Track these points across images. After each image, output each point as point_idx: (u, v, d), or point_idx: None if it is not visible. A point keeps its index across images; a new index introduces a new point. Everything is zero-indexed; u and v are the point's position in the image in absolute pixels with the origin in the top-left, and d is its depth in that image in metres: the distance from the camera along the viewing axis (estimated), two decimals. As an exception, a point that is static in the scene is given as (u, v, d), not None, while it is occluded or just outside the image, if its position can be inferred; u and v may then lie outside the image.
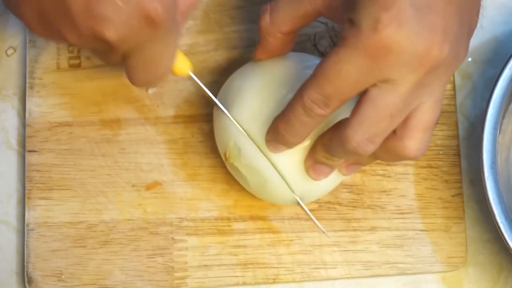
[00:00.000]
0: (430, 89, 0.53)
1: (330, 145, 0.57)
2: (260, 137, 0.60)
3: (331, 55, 0.52)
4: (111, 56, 0.56)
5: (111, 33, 0.52)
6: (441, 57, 0.51)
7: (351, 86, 0.52)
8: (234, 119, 0.61)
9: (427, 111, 0.54)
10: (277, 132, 0.57)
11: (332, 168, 0.60)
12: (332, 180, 0.62)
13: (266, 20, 0.59)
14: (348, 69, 0.51)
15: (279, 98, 0.60)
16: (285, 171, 0.61)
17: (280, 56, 0.62)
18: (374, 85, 0.52)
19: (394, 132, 0.55)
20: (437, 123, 0.56)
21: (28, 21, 0.54)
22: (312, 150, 0.60)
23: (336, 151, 0.57)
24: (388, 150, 0.56)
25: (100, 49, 0.55)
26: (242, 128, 0.61)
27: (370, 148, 0.54)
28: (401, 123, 0.54)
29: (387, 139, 0.55)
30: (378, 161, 0.68)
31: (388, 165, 0.68)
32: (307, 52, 0.67)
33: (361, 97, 0.53)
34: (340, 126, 0.55)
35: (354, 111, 0.53)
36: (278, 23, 0.59)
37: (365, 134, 0.53)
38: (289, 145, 0.58)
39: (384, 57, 0.50)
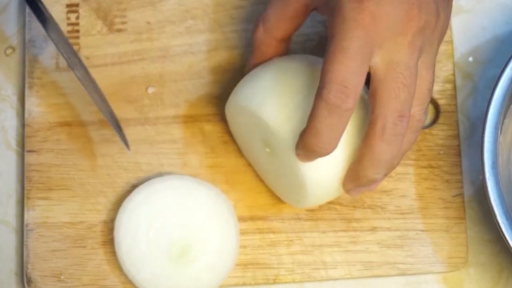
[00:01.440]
0: (423, 54, 0.57)
1: (371, 149, 0.57)
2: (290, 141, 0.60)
3: (329, 46, 0.54)
4: None
5: None
6: (421, 17, 0.55)
7: (359, 61, 0.54)
8: (261, 116, 0.60)
9: (423, 79, 0.57)
10: (307, 148, 0.57)
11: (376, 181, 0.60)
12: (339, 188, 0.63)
13: (260, 31, 0.61)
14: (350, 45, 0.54)
15: (300, 100, 0.59)
16: (307, 177, 0.60)
17: (288, 57, 0.63)
18: (376, 63, 0.55)
19: None
20: (432, 88, 0.59)
21: None
22: (352, 174, 0.60)
23: (378, 150, 0.56)
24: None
25: None
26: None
27: (405, 122, 0.56)
28: None
29: None
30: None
31: (389, 165, 0.68)
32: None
33: (371, 84, 0.56)
34: (367, 133, 0.56)
35: (374, 102, 0.56)
36: (271, 31, 0.61)
37: (394, 112, 0.55)
38: (322, 155, 0.57)
39: (374, 23, 0.54)
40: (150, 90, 0.70)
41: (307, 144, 0.56)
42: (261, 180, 0.68)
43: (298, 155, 0.59)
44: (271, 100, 0.60)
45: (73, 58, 0.65)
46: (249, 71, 0.64)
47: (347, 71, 0.54)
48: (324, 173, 0.60)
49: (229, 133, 0.68)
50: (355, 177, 0.59)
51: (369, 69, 0.55)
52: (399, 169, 0.68)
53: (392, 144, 0.56)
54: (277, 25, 0.61)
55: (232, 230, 0.66)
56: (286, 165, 0.61)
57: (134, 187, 0.68)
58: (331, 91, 0.54)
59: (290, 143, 0.59)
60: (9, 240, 0.69)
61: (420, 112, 0.58)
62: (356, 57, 0.54)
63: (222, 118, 0.69)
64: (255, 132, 0.63)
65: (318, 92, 0.54)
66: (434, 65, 0.59)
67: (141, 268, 0.65)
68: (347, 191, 0.61)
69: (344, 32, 0.54)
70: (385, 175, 0.60)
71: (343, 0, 0.54)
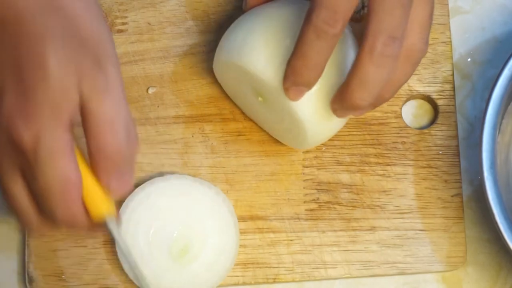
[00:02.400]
0: None
1: (358, 68, 0.55)
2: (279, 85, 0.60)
3: None
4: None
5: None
6: None
7: (401, 7, 0.53)
8: (250, 70, 0.60)
9: (420, 6, 0.56)
10: (296, 73, 0.56)
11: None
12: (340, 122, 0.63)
13: None
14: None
15: (287, 46, 0.59)
16: (303, 115, 0.61)
17: (270, 2, 0.63)
18: None
19: None
20: (432, 17, 0.58)
21: None
22: (339, 95, 0.58)
23: (366, 71, 0.55)
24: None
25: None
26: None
27: (396, 43, 0.54)
28: None
29: None
30: (379, 159, 0.68)
31: (388, 165, 0.68)
32: None
33: (368, 7, 0.54)
34: (357, 52, 0.55)
35: (368, 16, 0.54)
36: None
37: (386, 31, 0.54)
38: (310, 82, 0.57)
39: None
40: (151, 91, 0.70)
41: (296, 69, 0.56)
42: (261, 180, 0.68)
43: (286, 89, 0.58)
44: (259, 51, 0.60)
45: None
46: (248, 9, 0.63)
47: (394, 22, 0.53)
48: (318, 107, 0.60)
49: (229, 133, 0.69)
50: (342, 98, 0.58)
51: None
52: (398, 169, 0.68)
53: (381, 67, 0.55)
54: None
55: (232, 229, 0.67)
56: (281, 111, 0.62)
57: (134, 187, 0.68)
58: (320, 15, 0.53)
59: (281, 89, 0.59)
60: (11, 239, 0.69)
61: (420, 40, 0.57)
62: (402, 7, 0.53)
63: (222, 118, 0.69)
64: (246, 84, 0.63)
65: (307, 16, 0.54)
66: None
67: (142, 267, 0.66)
68: (333, 110, 0.60)
69: None
70: (373, 105, 0.59)
71: None
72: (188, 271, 0.66)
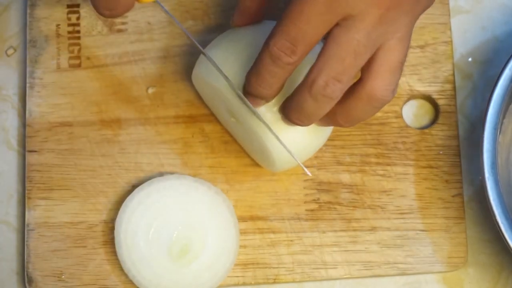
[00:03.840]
0: (394, 26, 0.54)
1: (298, 95, 0.56)
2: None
3: (292, 1, 0.53)
4: None
5: None
6: None
7: (314, 26, 0.53)
8: (219, 88, 0.61)
9: (392, 50, 0.55)
10: (250, 86, 0.57)
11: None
12: (319, 136, 0.63)
13: None
14: (309, 9, 0.52)
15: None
16: (263, 132, 0.61)
17: (255, 23, 0.63)
18: (337, 24, 0.53)
19: (360, 78, 0.56)
20: (403, 64, 0.56)
21: None
22: (283, 109, 0.59)
23: (304, 100, 0.55)
24: (357, 96, 0.56)
25: None
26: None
27: (338, 87, 0.54)
28: (366, 66, 0.55)
29: (354, 86, 0.56)
30: (379, 159, 0.68)
31: (388, 165, 0.68)
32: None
33: (326, 39, 0.54)
34: (306, 75, 0.55)
35: (320, 54, 0.54)
36: None
37: (331, 72, 0.54)
38: (265, 98, 0.57)
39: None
40: (151, 90, 0.70)
41: (251, 82, 0.57)
42: (261, 180, 0.68)
43: (245, 95, 0.58)
44: (226, 71, 0.60)
45: None
46: (235, 26, 0.64)
47: (298, 32, 0.53)
48: (286, 135, 0.60)
49: (229, 133, 0.69)
50: (284, 111, 0.58)
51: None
52: (398, 169, 0.68)
53: (319, 102, 0.55)
54: None
55: (231, 229, 0.67)
56: (249, 132, 0.62)
57: (134, 187, 0.68)
58: (276, 44, 0.54)
59: (246, 109, 0.60)
60: (10, 240, 0.69)
61: (385, 87, 0.55)
62: (314, 25, 0.53)
63: (222, 118, 0.69)
64: (220, 102, 0.63)
65: (267, 40, 0.54)
66: (410, 37, 0.56)
67: (142, 268, 0.66)
68: (282, 117, 0.60)
69: None
70: (326, 124, 0.59)
71: None
72: (188, 271, 0.66)
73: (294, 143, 0.61)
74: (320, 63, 0.54)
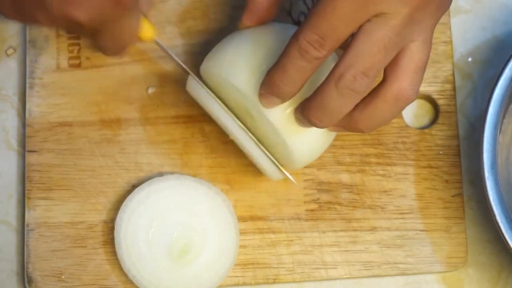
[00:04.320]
0: (421, 26, 0.55)
1: (322, 90, 0.55)
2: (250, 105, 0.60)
3: None
4: (81, 33, 0.62)
5: (81, 15, 0.56)
6: None
7: (346, 22, 0.53)
8: (234, 83, 0.60)
9: (417, 51, 0.56)
10: (272, 83, 0.57)
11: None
12: (324, 141, 0.62)
13: None
14: (342, 5, 0.52)
15: (264, 70, 0.59)
16: (280, 128, 0.60)
17: (263, 25, 0.62)
18: (368, 20, 0.53)
19: (384, 79, 0.56)
20: (426, 65, 0.57)
21: (1, 6, 0.57)
22: (302, 109, 0.58)
23: (329, 95, 0.55)
24: (382, 98, 0.56)
25: (71, 28, 0.60)
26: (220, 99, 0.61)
27: (366, 82, 0.54)
28: (391, 66, 0.55)
29: (378, 88, 0.56)
30: (379, 159, 0.68)
31: (388, 165, 0.68)
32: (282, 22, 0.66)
33: (356, 32, 0.54)
34: (333, 70, 0.55)
35: (348, 46, 0.54)
36: None
37: (360, 67, 0.54)
38: (284, 96, 0.57)
39: None
40: (150, 90, 0.70)
41: (273, 79, 0.56)
42: (261, 180, 0.68)
43: (260, 95, 0.58)
44: (244, 68, 0.59)
45: None
46: (242, 28, 0.63)
47: (329, 27, 0.53)
48: (298, 138, 0.60)
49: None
50: (302, 111, 0.58)
51: None
52: (398, 169, 0.68)
53: (344, 97, 0.55)
54: None
55: (231, 229, 0.67)
56: (265, 128, 0.61)
57: (134, 187, 0.68)
58: (306, 37, 0.54)
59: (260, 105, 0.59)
60: (10, 240, 0.69)
61: (411, 87, 0.56)
62: (346, 21, 0.53)
63: (222, 118, 0.69)
64: (232, 101, 0.62)
65: (296, 33, 0.54)
66: (432, 39, 0.57)
67: (142, 268, 0.66)
68: (296, 119, 0.59)
69: None
70: (343, 129, 0.59)
71: None
72: (188, 271, 0.66)
73: (305, 145, 0.61)
74: (349, 57, 0.54)
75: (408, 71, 0.56)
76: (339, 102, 0.55)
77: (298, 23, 0.70)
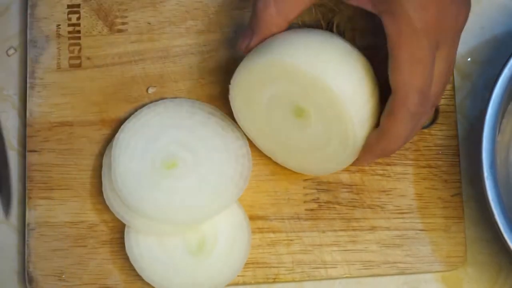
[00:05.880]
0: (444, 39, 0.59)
1: (395, 123, 0.58)
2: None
3: (400, 54, 0.56)
4: None
5: None
6: (462, 13, 0.59)
7: (431, 66, 0.57)
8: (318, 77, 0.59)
9: (448, 71, 0.60)
10: (382, 151, 0.60)
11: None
12: None
13: (271, 13, 0.60)
14: (423, 54, 0.56)
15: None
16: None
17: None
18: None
19: None
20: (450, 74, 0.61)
21: None
22: (370, 147, 0.60)
23: (400, 125, 0.58)
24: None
25: None
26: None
27: (428, 101, 0.58)
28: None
29: None
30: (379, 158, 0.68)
31: (388, 164, 0.68)
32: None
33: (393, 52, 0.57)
34: (391, 107, 0.58)
35: (397, 67, 0.57)
36: (286, 13, 0.60)
37: (419, 82, 0.57)
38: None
39: (437, 26, 0.56)
40: (151, 90, 0.70)
41: (384, 148, 0.59)
42: (261, 180, 0.68)
43: (362, 159, 0.61)
44: (333, 63, 0.59)
45: None
46: (248, 51, 0.62)
47: (425, 80, 0.56)
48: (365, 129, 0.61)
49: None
50: (374, 146, 0.60)
51: None
52: (398, 169, 0.68)
53: (412, 121, 0.58)
54: (291, 8, 0.60)
55: (241, 216, 0.67)
56: (326, 126, 0.61)
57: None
58: (414, 101, 0.56)
59: (344, 103, 0.59)
60: (11, 239, 0.69)
61: (436, 98, 0.60)
62: (429, 64, 0.56)
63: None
64: (283, 99, 0.61)
65: (402, 102, 0.57)
66: (455, 54, 0.61)
67: (155, 265, 0.65)
68: (360, 159, 0.61)
69: (415, 41, 0.56)
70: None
71: (406, 7, 0.55)
72: (204, 265, 0.65)
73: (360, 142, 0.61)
74: (403, 78, 0.57)
75: (438, 77, 0.59)
76: (408, 128, 0.59)
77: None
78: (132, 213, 0.65)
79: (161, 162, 0.66)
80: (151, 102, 0.69)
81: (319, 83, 0.58)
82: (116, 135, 0.67)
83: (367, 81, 0.60)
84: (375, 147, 0.60)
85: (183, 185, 0.65)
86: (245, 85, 0.62)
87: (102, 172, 0.67)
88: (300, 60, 0.58)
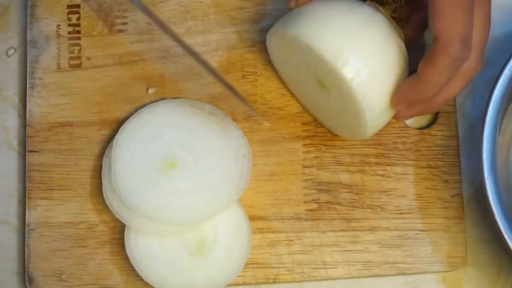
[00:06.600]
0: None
1: (434, 69, 0.57)
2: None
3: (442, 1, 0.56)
4: None
5: None
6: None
7: (471, 11, 0.57)
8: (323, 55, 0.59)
9: (480, 23, 0.60)
10: (417, 96, 0.59)
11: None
12: (390, 114, 0.63)
13: None
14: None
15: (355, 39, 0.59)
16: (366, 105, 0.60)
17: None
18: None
19: None
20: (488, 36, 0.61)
21: None
22: (407, 90, 0.60)
23: (442, 69, 0.57)
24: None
25: None
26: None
27: (469, 45, 0.57)
28: None
29: None
30: (379, 159, 0.68)
31: (388, 165, 0.68)
32: None
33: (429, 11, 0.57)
34: (432, 52, 0.57)
35: (437, 14, 0.56)
36: None
37: (460, 28, 0.56)
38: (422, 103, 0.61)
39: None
40: (151, 91, 0.70)
41: (419, 94, 0.58)
42: (261, 180, 0.68)
43: (397, 108, 0.60)
44: (334, 36, 0.59)
45: None
46: (297, 6, 0.62)
47: (466, 25, 0.56)
48: (381, 97, 0.60)
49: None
50: (408, 90, 0.59)
51: None
52: (398, 169, 0.68)
53: (453, 67, 0.57)
54: None
55: (240, 213, 0.67)
56: (342, 100, 0.61)
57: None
58: (456, 47, 0.56)
59: (352, 83, 0.59)
60: (11, 239, 0.69)
61: (478, 58, 0.60)
62: (469, 9, 0.56)
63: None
64: (306, 67, 0.62)
65: (443, 47, 0.56)
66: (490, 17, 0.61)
67: (154, 265, 0.65)
68: (392, 100, 0.60)
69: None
70: (423, 110, 0.61)
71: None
72: (204, 265, 0.65)
73: (376, 116, 0.61)
74: (444, 24, 0.56)
75: (474, 42, 0.58)
76: (448, 73, 0.57)
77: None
78: (131, 214, 0.65)
79: (161, 162, 0.66)
80: (151, 102, 0.69)
81: (333, 69, 0.59)
82: (116, 136, 0.67)
83: (389, 60, 0.60)
84: (409, 94, 0.59)
85: (183, 186, 0.65)
86: (276, 44, 0.64)
87: (102, 172, 0.67)
88: (316, 42, 0.59)
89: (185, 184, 0.65)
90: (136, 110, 0.69)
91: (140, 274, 0.65)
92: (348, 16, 0.60)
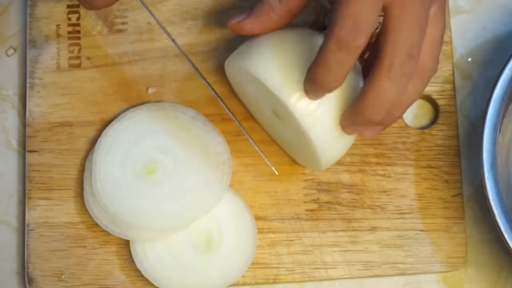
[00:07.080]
0: (436, 1, 0.56)
1: (375, 85, 0.55)
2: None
3: None
4: None
5: None
6: None
7: (369, 8, 0.53)
8: (267, 85, 0.59)
9: (433, 27, 0.57)
10: (314, 80, 0.56)
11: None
12: (348, 141, 0.62)
13: (275, 2, 0.59)
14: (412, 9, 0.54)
15: (299, 70, 0.59)
16: (308, 128, 0.59)
17: (290, 29, 0.61)
18: (388, 6, 0.54)
19: None
20: (443, 39, 0.58)
21: None
22: (350, 111, 0.58)
23: (383, 89, 0.55)
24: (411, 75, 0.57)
25: None
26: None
27: (413, 62, 0.55)
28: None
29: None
30: (379, 159, 0.68)
31: (388, 165, 0.68)
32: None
33: (383, 23, 0.55)
34: (373, 71, 0.55)
35: (384, 38, 0.55)
36: (290, 4, 0.59)
37: (403, 50, 0.54)
38: (328, 90, 0.57)
39: None
40: (151, 91, 0.70)
41: (316, 77, 0.56)
42: (261, 180, 0.68)
43: (306, 91, 0.58)
44: (279, 69, 0.58)
45: None
46: (236, 29, 0.61)
47: (361, 8, 0.53)
48: (330, 127, 0.59)
49: (229, 133, 0.69)
50: (354, 112, 0.58)
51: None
52: (398, 169, 0.68)
53: (397, 84, 0.55)
54: (298, 1, 0.59)
55: (247, 218, 0.67)
56: (294, 130, 0.61)
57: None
58: (343, 28, 0.53)
59: (295, 109, 0.58)
60: (10, 240, 0.69)
61: (432, 59, 0.57)
62: (367, 4, 0.53)
63: (222, 118, 0.69)
64: (262, 98, 0.62)
65: (330, 27, 0.54)
66: (445, 14, 0.58)
67: (168, 272, 0.65)
68: (343, 126, 0.59)
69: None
70: (383, 125, 0.59)
71: None
72: (215, 260, 0.65)
73: (331, 146, 0.60)
74: (390, 45, 0.54)
75: (427, 45, 0.56)
76: (393, 89, 0.55)
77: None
78: (111, 218, 0.65)
79: (142, 167, 0.66)
80: (150, 102, 0.69)
81: (280, 100, 0.58)
82: (99, 139, 0.67)
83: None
84: (353, 113, 0.58)
85: (162, 191, 0.65)
86: (234, 73, 0.63)
87: (84, 176, 0.67)
88: (262, 74, 0.59)
89: (164, 189, 0.65)
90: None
91: (157, 285, 0.65)
92: (295, 47, 0.59)
